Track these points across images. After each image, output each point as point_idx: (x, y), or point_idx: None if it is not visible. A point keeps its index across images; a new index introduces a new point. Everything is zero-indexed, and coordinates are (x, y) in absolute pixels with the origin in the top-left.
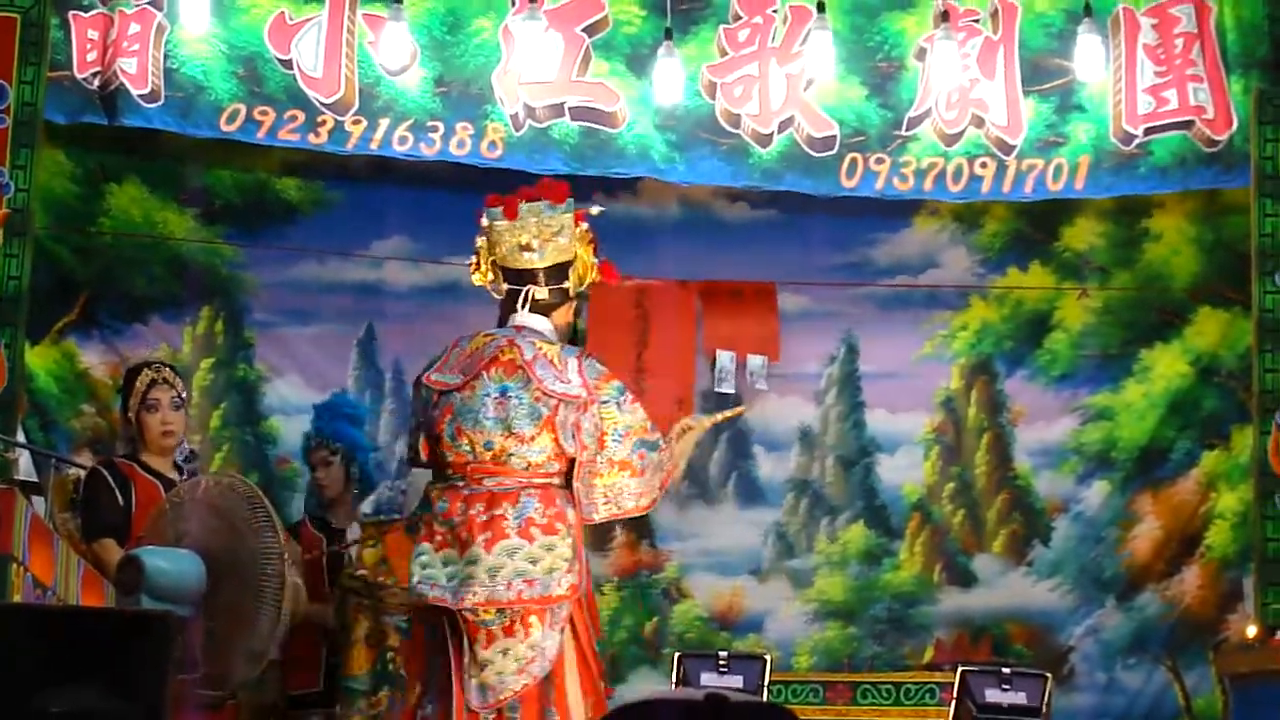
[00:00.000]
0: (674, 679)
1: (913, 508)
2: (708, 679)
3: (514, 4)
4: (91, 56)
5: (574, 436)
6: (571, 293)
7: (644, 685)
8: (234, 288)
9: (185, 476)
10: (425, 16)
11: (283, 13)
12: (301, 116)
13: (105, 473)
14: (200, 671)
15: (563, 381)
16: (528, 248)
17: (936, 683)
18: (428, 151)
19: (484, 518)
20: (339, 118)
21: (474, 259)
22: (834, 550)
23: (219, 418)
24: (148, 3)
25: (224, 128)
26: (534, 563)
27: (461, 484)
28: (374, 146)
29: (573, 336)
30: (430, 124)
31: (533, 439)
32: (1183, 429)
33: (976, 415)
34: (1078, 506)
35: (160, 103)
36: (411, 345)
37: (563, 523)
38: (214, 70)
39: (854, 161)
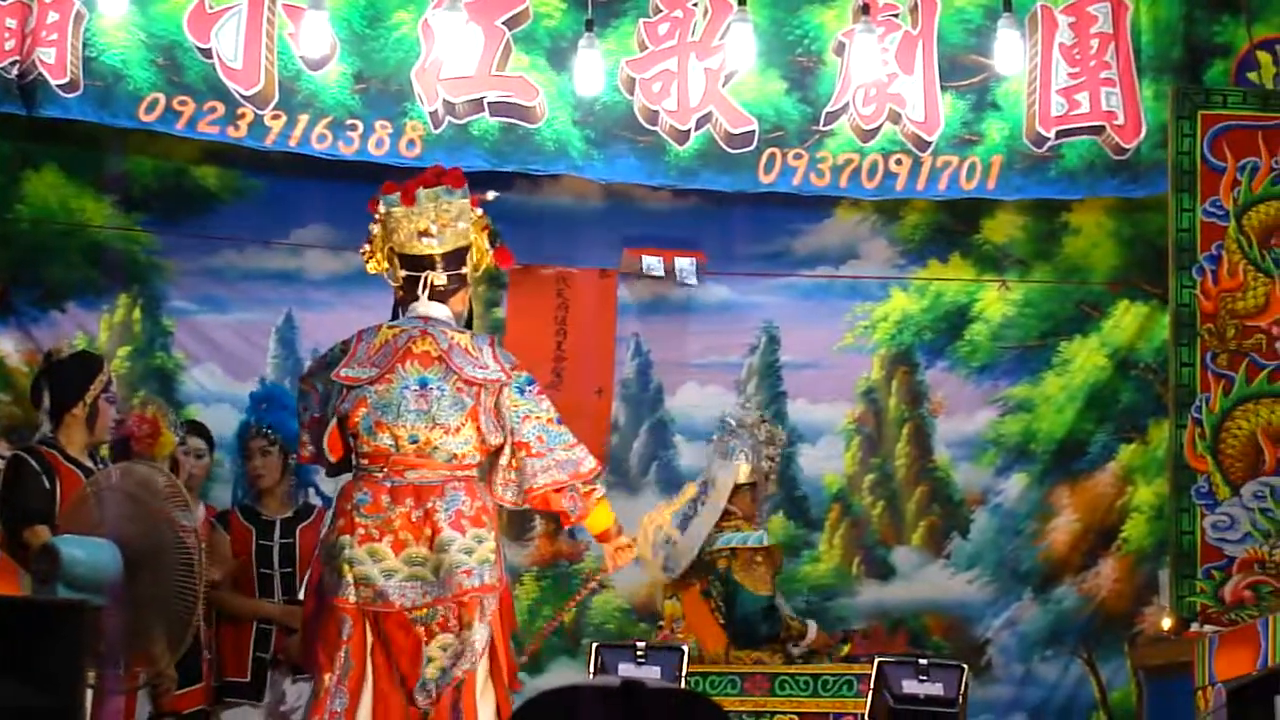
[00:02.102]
0: (592, 669)
1: (833, 498)
2: (626, 669)
3: None
4: (10, 45)
5: (495, 423)
6: (468, 279)
7: (563, 675)
8: (152, 275)
9: (102, 465)
10: (345, 9)
11: (202, 1)
12: (221, 108)
13: (30, 459)
14: (118, 659)
15: (480, 367)
16: (426, 233)
17: (854, 674)
18: (346, 151)
19: (417, 514)
20: (259, 111)
21: (366, 247)
22: None
23: (140, 404)
24: None
25: (143, 118)
26: (469, 553)
27: (380, 475)
28: (293, 143)
29: (468, 322)
30: (349, 122)
31: (458, 430)
32: (1100, 422)
33: (897, 406)
34: (996, 499)
35: (79, 92)
36: (331, 333)
37: (487, 515)
38: (133, 59)
39: (772, 157)
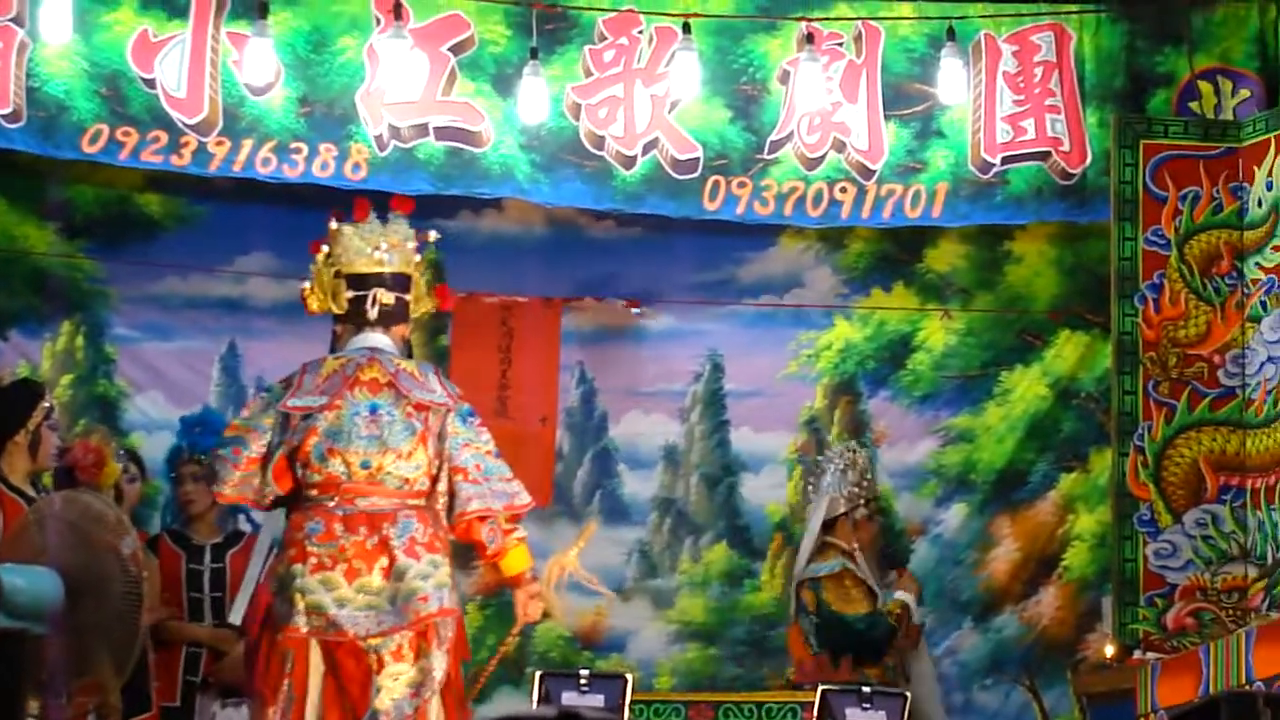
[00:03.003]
0: (535, 698)
1: (775, 528)
2: (569, 698)
3: (379, 22)
4: None
5: (439, 448)
6: (410, 310)
7: (506, 704)
8: (95, 303)
9: (44, 493)
10: (290, 35)
11: (145, 30)
12: (165, 138)
13: None
14: (62, 689)
15: (427, 390)
16: (377, 247)
17: (799, 702)
18: (291, 174)
19: (371, 542)
20: (202, 139)
21: (308, 284)
22: (696, 571)
23: (84, 433)
24: (9, 20)
25: (86, 148)
26: (426, 579)
27: (332, 504)
28: (237, 169)
29: (408, 354)
30: (294, 145)
31: (409, 455)
32: (1041, 451)
33: (840, 435)
34: (937, 529)
35: (22, 122)
36: (275, 362)
37: (440, 541)
38: (76, 89)
39: (716, 184)
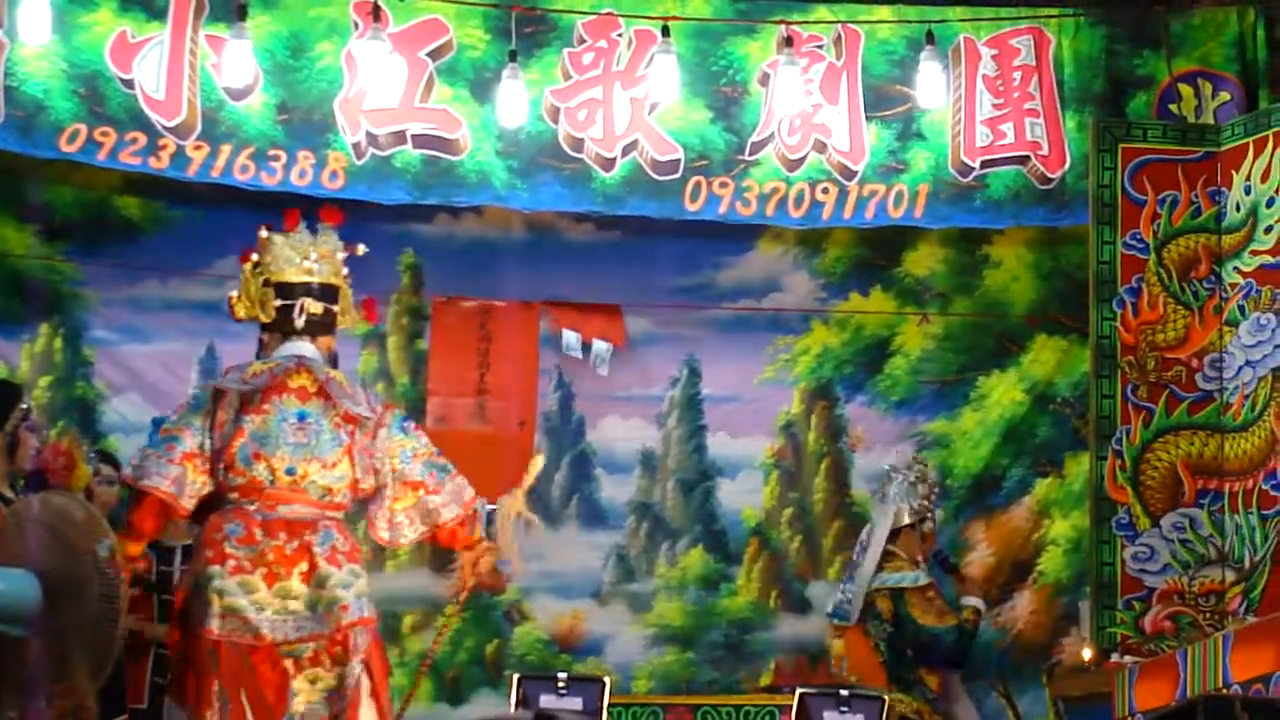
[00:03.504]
0: (513, 701)
1: (751, 532)
2: (547, 701)
3: (358, 27)
4: None
5: (368, 463)
6: (338, 324)
7: (484, 706)
8: (74, 305)
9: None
10: (269, 40)
11: (124, 31)
12: (143, 139)
13: None
14: (40, 691)
15: (355, 403)
16: (306, 257)
17: (777, 705)
18: (269, 181)
19: (291, 547)
20: (180, 142)
21: (235, 292)
22: (673, 575)
23: (56, 436)
24: None
25: (64, 148)
26: (347, 588)
27: (252, 508)
28: (215, 174)
29: (333, 365)
30: (272, 152)
31: (334, 465)
32: (1017, 456)
33: (816, 440)
34: None
35: (0, 122)
36: None
37: (358, 552)
38: (55, 89)
39: (698, 185)
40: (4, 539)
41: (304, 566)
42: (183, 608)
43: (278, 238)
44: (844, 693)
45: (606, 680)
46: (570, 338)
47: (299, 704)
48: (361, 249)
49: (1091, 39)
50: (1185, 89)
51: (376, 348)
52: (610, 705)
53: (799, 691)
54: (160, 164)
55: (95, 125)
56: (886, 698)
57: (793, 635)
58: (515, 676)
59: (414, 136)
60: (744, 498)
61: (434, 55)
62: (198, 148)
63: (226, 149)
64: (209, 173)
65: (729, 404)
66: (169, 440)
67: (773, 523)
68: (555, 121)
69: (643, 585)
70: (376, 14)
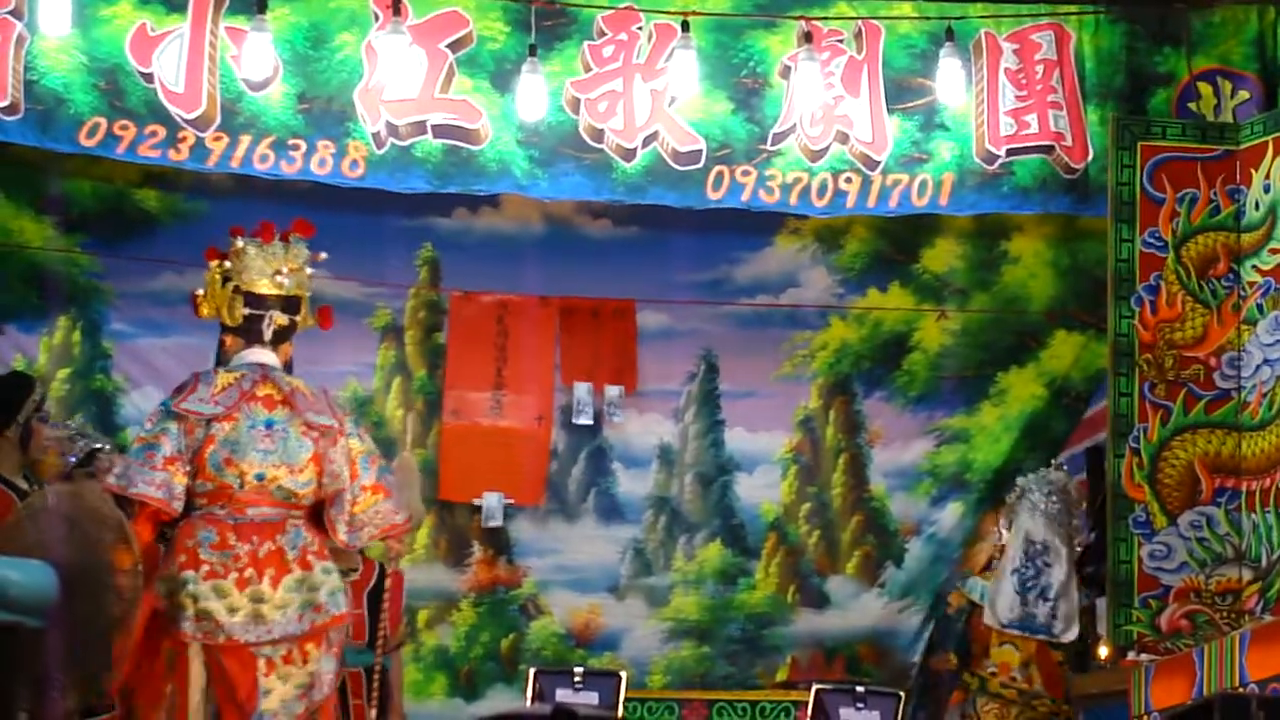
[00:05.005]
0: (530, 695)
1: (769, 527)
2: (563, 695)
3: (377, 19)
4: None
5: (332, 470)
6: (298, 330)
7: (500, 701)
8: (92, 298)
9: (36, 487)
10: (288, 31)
11: (144, 24)
12: (162, 132)
13: None
14: (57, 681)
15: (318, 412)
16: (279, 272)
17: (792, 700)
18: (289, 170)
19: (264, 551)
20: (200, 134)
21: (200, 292)
22: (690, 569)
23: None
24: (8, 12)
25: (84, 142)
26: (317, 589)
27: (223, 513)
28: (235, 164)
29: (289, 372)
30: (292, 142)
31: (301, 471)
32: (1036, 451)
33: (834, 435)
34: (931, 528)
35: (20, 115)
36: None
37: (328, 549)
38: (75, 82)
39: (720, 174)
40: (21, 531)
41: (273, 570)
42: (150, 613)
43: (251, 248)
44: (860, 689)
45: (623, 675)
46: (581, 390)
47: (271, 701)
48: (323, 256)
49: (1112, 35)
50: (1205, 87)
51: (394, 342)
52: (626, 700)
53: (815, 687)
54: (180, 156)
55: (115, 119)
56: (902, 694)
57: (810, 631)
58: (531, 671)
59: (434, 126)
60: (762, 492)
61: (454, 47)
62: (217, 139)
63: (246, 139)
64: (228, 163)
65: (747, 399)
66: (149, 448)
67: (790, 518)
68: (575, 113)
69: (660, 580)
70: (397, 7)
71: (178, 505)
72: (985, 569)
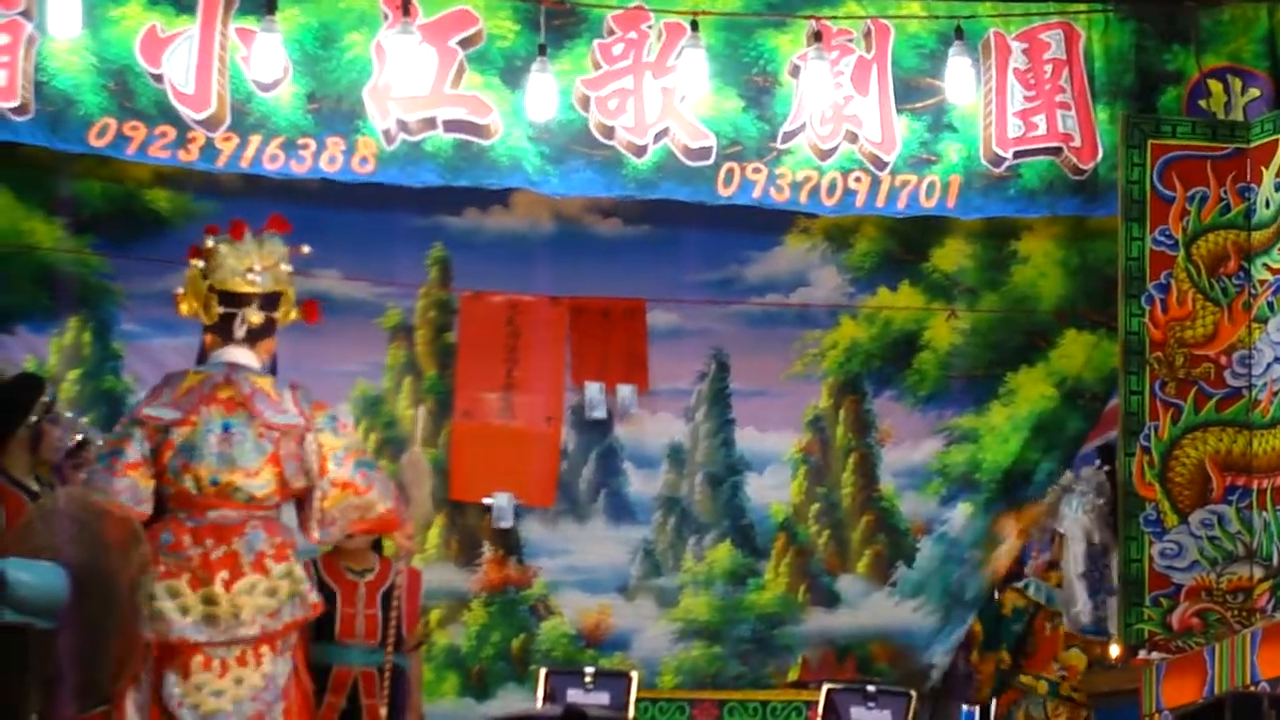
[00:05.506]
0: (541, 695)
1: (779, 527)
2: (574, 695)
3: (387, 18)
4: None
5: (298, 467)
6: (278, 326)
7: (512, 701)
8: (103, 298)
9: (47, 489)
10: (298, 31)
11: (154, 25)
12: (172, 133)
13: None
14: (68, 683)
15: (280, 413)
16: (251, 269)
17: (803, 700)
18: (298, 169)
19: (218, 554)
20: (210, 134)
21: (180, 290)
22: (700, 569)
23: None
24: (18, 13)
25: (94, 143)
26: (273, 594)
27: (184, 516)
28: (244, 165)
29: (272, 369)
30: (301, 141)
31: (257, 473)
32: (1046, 451)
33: (844, 435)
34: (941, 528)
35: (30, 116)
36: (282, 357)
37: (290, 548)
38: (84, 83)
39: (731, 170)
40: (31, 532)
41: (226, 574)
42: None
43: (223, 247)
44: (871, 689)
45: (634, 675)
46: (593, 390)
47: (225, 702)
48: (306, 249)
49: (1121, 34)
50: (1215, 85)
51: (404, 341)
52: (637, 700)
53: (826, 687)
54: (190, 157)
55: (125, 120)
56: (913, 693)
57: (820, 630)
58: (542, 671)
59: (445, 122)
60: (772, 492)
61: (464, 45)
62: (227, 139)
63: (256, 139)
64: (238, 163)
65: (757, 398)
66: (112, 454)
67: (800, 517)
68: (586, 110)
69: (670, 580)
70: (406, 7)
71: (145, 508)
72: (1048, 569)
